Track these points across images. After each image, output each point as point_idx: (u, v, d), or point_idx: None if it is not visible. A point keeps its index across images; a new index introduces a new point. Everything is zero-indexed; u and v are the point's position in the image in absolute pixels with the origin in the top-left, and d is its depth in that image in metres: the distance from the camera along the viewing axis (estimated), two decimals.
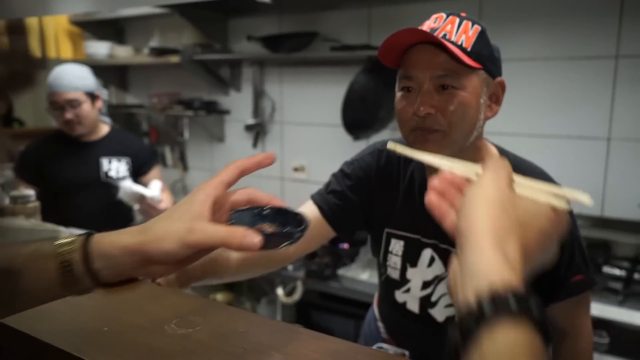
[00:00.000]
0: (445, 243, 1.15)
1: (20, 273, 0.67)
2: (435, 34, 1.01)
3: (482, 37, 1.04)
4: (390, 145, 0.83)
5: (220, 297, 3.10)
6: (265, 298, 2.98)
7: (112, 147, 2.48)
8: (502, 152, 1.17)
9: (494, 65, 1.06)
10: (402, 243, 1.22)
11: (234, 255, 1.09)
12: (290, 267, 2.66)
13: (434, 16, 1.08)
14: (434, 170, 1.15)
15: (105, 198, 2.36)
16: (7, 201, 1.49)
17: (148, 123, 3.86)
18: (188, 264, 0.69)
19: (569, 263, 1.08)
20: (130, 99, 3.98)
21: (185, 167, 3.72)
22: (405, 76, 1.04)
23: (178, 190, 3.66)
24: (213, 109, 3.39)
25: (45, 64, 3.72)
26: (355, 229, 1.30)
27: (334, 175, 1.29)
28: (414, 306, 1.22)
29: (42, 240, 0.71)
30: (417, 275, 1.20)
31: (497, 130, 2.54)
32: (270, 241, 0.61)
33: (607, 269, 2.19)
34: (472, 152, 1.05)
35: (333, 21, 2.95)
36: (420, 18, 2.73)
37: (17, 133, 3.79)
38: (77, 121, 2.29)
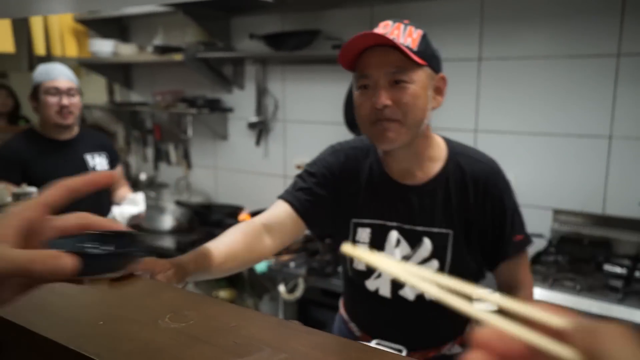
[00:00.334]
0: (408, 223, 1.27)
1: None
2: (386, 36, 1.14)
3: (424, 39, 1.19)
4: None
5: (223, 294, 3.12)
6: (268, 295, 3.00)
7: (90, 143, 2.53)
8: (449, 143, 1.32)
9: (436, 62, 1.22)
10: (368, 230, 1.31)
11: (218, 250, 1.14)
12: (292, 265, 2.68)
13: (381, 24, 1.20)
14: (391, 166, 1.30)
15: (96, 195, 2.39)
16: (9, 199, 1.51)
17: (152, 121, 3.89)
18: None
19: (511, 225, 1.26)
20: (135, 97, 4.00)
21: (189, 165, 3.74)
22: (362, 75, 1.18)
23: (182, 188, 3.68)
24: (216, 106, 3.41)
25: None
26: (325, 224, 1.37)
27: (299, 176, 1.37)
28: (385, 291, 1.31)
29: None
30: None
31: (499, 128, 2.55)
32: (93, 265, 0.51)
33: (607, 267, 2.19)
34: (421, 140, 1.23)
35: (335, 19, 2.96)
36: (422, 16, 2.74)
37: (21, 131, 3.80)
38: (71, 110, 2.36)
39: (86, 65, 3.82)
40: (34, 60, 4.98)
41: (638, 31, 2.21)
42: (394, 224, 1.28)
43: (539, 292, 1.95)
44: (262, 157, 3.38)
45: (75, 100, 2.40)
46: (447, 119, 2.69)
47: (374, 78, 1.16)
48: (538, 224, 2.44)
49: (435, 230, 1.26)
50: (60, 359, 0.69)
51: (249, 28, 3.17)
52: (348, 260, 1.35)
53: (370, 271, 1.31)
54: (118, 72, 3.94)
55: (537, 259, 2.27)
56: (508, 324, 0.32)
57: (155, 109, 3.58)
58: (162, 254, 3.20)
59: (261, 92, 3.30)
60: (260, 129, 3.33)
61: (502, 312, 0.35)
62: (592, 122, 2.35)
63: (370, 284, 1.33)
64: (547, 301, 1.86)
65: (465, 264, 1.27)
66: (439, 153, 1.29)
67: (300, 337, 0.70)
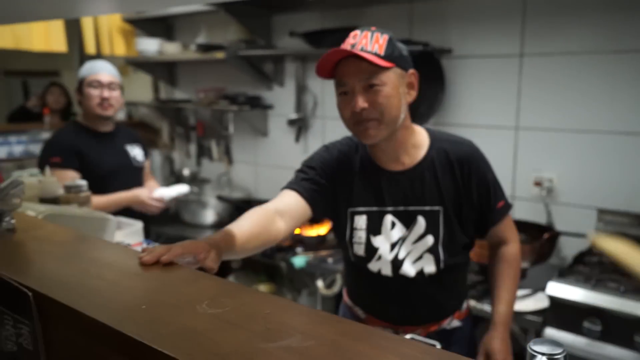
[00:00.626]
0: (401, 205, 1.42)
1: None
2: (354, 48, 1.29)
3: (390, 42, 1.32)
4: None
5: (262, 288, 3.18)
6: (306, 290, 3.04)
7: (127, 136, 2.67)
8: (429, 131, 1.46)
9: (404, 61, 1.35)
10: (364, 217, 1.44)
11: (241, 231, 1.24)
12: (330, 260, 2.70)
13: (351, 34, 1.33)
14: (380, 156, 1.42)
15: (138, 182, 2.62)
16: (61, 191, 1.59)
17: (195, 117, 3.99)
18: None
19: (494, 196, 1.44)
20: (179, 94, 4.12)
21: (230, 161, 3.81)
22: (340, 84, 1.33)
23: (223, 183, 3.76)
24: (257, 103, 3.47)
25: None
26: (327, 209, 1.47)
27: (299, 171, 1.48)
28: (387, 270, 1.45)
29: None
30: (383, 240, 1.44)
31: (541, 126, 2.50)
32: None
33: None
34: (402, 130, 1.38)
35: (375, 16, 2.96)
36: (461, 12, 2.72)
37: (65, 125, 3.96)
38: (112, 102, 2.49)
39: (133, 64, 3.95)
40: (85, 59, 5.19)
41: None
42: (389, 208, 1.43)
43: (581, 293, 1.91)
44: (301, 154, 3.41)
45: (116, 93, 2.52)
46: (487, 116, 2.66)
47: (350, 85, 1.31)
48: (581, 223, 2.39)
49: (427, 208, 1.41)
50: (103, 338, 0.74)
51: (290, 26, 3.21)
52: (349, 247, 1.47)
53: (370, 255, 1.45)
54: (163, 70, 4.06)
55: (580, 259, 2.23)
56: None
57: (198, 105, 3.67)
58: None
59: (301, 89, 3.34)
60: (300, 125, 3.37)
61: None
62: (638, 119, 2.28)
63: (373, 266, 1.46)
64: (586, 303, 1.84)
65: (457, 236, 1.43)
66: (422, 140, 1.43)
67: (330, 325, 0.73)
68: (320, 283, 2.70)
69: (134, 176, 2.62)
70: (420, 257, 1.43)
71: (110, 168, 2.50)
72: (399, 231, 1.43)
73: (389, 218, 1.43)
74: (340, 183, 1.46)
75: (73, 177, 2.31)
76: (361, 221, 1.44)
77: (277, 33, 3.39)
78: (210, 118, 3.86)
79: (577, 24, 2.36)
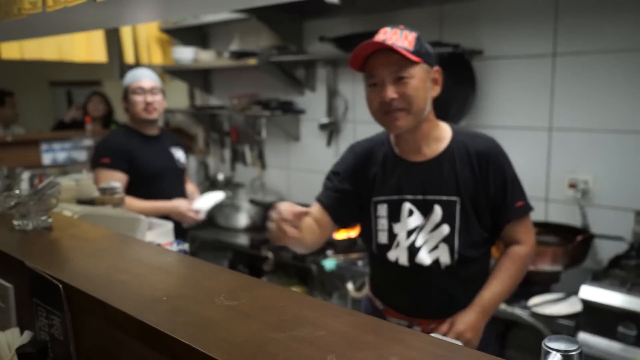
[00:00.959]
0: (420, 194, 1.47)
1: None
2: (386, 42, 1.36)
3: (419, 40, 1.41)
4: None
5: (294, 290, 3.21)
6: (337, 292, 3.05)
7: (170, 139, 2.82)
8: (452, 126, 1.53)
9: (430, 58, 1.44)
10: (385, 206, 1.52)
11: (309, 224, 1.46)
12: (359, 263, 2.71)
13: (381, 31, 1.41)
14: (403, 148, 1.49)
15: (181, 183, 2.79)
16: (96, 193, 1.66)
17: (229, 123, 4.07)
18: None
19: (512, 193, 1.47)
20: (214, 101, 4.21)
21: (263, 165, 3.87)
22: (371, 75, 1.41)
23: (256, 187, 3.82)
24: (289, 108, 3.51)
25: None
26: (349, 215, 1.58)
27: (327, 178, 1.62)
28: (404, 259, 1.50)
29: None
30: (402, 228, 1.50)
31: (575, 126, 2.45)
32: None
33: None
34: (426, 123, 1.46)
35: (405, 19, 2.97)
36: (492, 13, 2.70)
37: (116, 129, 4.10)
38: (155, 106, 2.62)
39: (169, 72, 4.07)
40: (125, 69, 5.37)
41: None
42: (407, 196, 1.49)
43: (616, 296, 1.86)
44: (332, 157, 3.43)
45: (158, 98, 2.65)
46: (520, 117, 2.62)
47: (380, 77, 1.39)
48: (618, 226, 2.32)
49: (444, 198, 1.46)
50: (126, 327, 0.78)
51: (321, 31, 3.24)
52: (374, 236, 1.54)
53: (391, 243, 1.52)
54: (198, 78, 4.16)
55: (616, 262, 2.17)
56: None
57: (231, 111, 3.74)
58: (238, 249, 3.35)
59: (332, 94, 3.37)
60: (331, 129, 3.40)
61: None
62: None
63: (392, 255, 1.52)
64: (621, 307, 1.78)
65: (474, 228, 1.46)
66: (444, 134, 1.50)
67: (341, 317, 0.75)
68: (350, 285, 2.71)
69: (177, 177, 2.78)
70: (436, 247, 1.47)
71: (158, 169, 2.64)
72: (416, 219, 1.49)
73: (407, 206, 1.49)
74: (363, 178, 1.55)
75: (120, 178, 2.46)
76: (383, 210, 1.52)
77: (308, 38, 3.43)
78: (243, 123, 3.93)
79: (612, 21, 2.31)
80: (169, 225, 1.68)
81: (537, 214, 2.56)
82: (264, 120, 3.70)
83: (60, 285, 0.86)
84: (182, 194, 2.80)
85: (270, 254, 3.06)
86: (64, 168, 3.75)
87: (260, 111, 3.48)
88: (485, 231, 1.49)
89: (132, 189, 2.55)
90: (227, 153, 4.14)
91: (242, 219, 3.50)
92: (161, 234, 1.60)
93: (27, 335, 0.99)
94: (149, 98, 2.61)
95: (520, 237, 1.53)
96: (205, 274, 0.94)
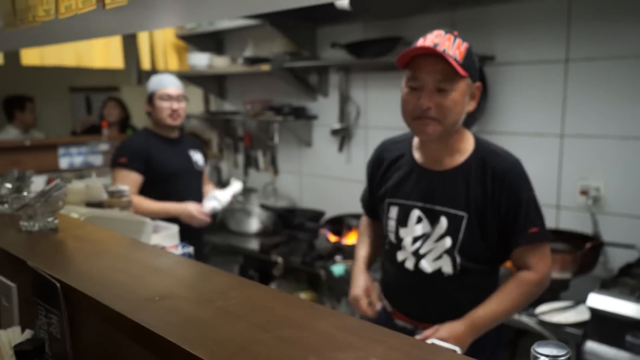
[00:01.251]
0: (429, 203, 1.47)
1: None
2: (437, 47, 1.33)
3: (469, 52, 1.38)
4: None
5: (303, 296, 3.22)
6: (345, 298, 3.05)
7: (189, 142, 2.90)
8: (477, 139, 1.50)
9: (475, 73, 1.40)
10: (396, 209, 1.54)
11: (373, 249, 1.73)
12: None
13: (435, 32, 1.37)
14: (423, 154, 1.50)
15: (198, 185, 2.86)
16: (104, 196, 1.70)
17: (243, 128, 4.10)
18: None
19: (525, 217, 1.41)
20: (228, 106, 4.25)
21: (275, 171, 3.90)
22: (413, 77, 1.38)
23: (269, 192, 3.84)
24: (301, 114, 3.53)
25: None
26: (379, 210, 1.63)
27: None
28: (410, 263, 1.51)
29: None
30: (408, 233, 1.51)
31: (587, 132, 2.42)
32: None
33: None
34: (454, 135, 1.44)
35: (417, 26, 2.97)
36: (505, 19, 2.69)
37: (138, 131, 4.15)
38: (180, 113, 2.72)
39: (185, 78, 4.11)
40: (142, 75, 5.46)
41: None
42: (418, 203, 1.49)
43: (624, 305, 1.84)
44: (344, 163, 3.45)
45: (183, 105, 2.76)
46: (532, 124, 2.60)
47: (422, 82, 1.37)
48: (630, 234, 2.29)
49: (452, 211, 1.44)
50: (120, 326, 0.79)
51: (334, 37, 3.26)
52: (386, 235, 1.58)
53: (398, 243, 1.54)
54: (213, 83, 4.21)
55: (627, 270, 2.13)
56: None
57: (245, 117, 3.78)
58: (248, 254, 3.37)
59: (344, 100, 3.38)
60: (343, 135, 3.41)
61: None
62: None
63: (400, 255, 1.54)
64: (629, 316, 1.76)
65: (477, 246, 1.43)
66: (467, 146, 1.47)
67: (328, 319, 0.75)
68: None
69: (195, 179, 2.84)
70: (439, 257, 1.46)
71: (174, 169, 2.71)
72: (424, 227, 1.48)
73: (415, 212, 1.49)
74: (383, 177, 1.60)
75: (135, 178, 2.55)
76: (393, 212, 1.54)
77: (321, 45, 3.45)
78: (256, 129, 3.96)
79: (625, 27, 2.29)
80: (174, 228, 1.70)
81: (548, 221, 2.50)
82: (277, 125, 3.72)
83: (58, 284, 0.89)
84: (198, 195, 2.85)
85: (280, 259, 3.07)
86: (80, 172, 3.81)
87: (273, 117, 3.51)
88: (489, 250, 1.46)
89: (149, 189, 2.63)
90: (241, 158, 4.17)
91: (254, 224, 3.53)
92: (166, 237, 1.62)
93: (27, 334, 1.01)
94: (175, 105, 2.70)
95: (530, 263, 1.45)
96: (201, 275, 0.96)
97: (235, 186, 2.90)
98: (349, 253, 2.87)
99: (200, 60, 3.87)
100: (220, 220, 3.60)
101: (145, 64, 4.12)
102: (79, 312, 0.90)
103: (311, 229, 3.25)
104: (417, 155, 1.53)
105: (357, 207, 1.93)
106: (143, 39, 4.06)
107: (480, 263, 1.46)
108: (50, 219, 1.24)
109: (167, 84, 2.73)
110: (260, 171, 4.02)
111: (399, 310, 1.59)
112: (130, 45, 4.32)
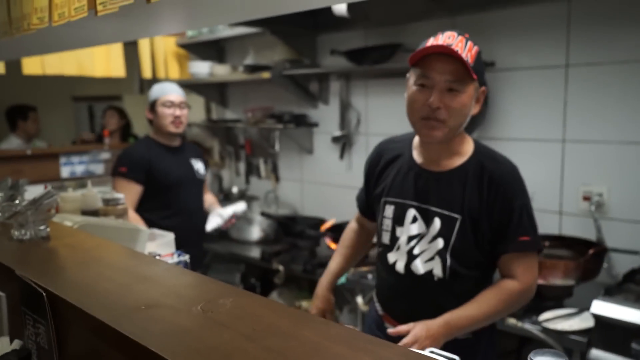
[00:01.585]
0: (425, 203, 1.46)
1: None
2: (452, 48, 1.32)
3: (479, 55, 1.39)
4: None
5: (305, 304, 3.19)
6: (347, 306, 3.02)
7: (191, 151, 2.89)
8: (477, 143, 1.50)
9: (482, 77, 1.41)
10: (392, 207, 1.53)
11: (346, 258, 1.77)
12: (369, 277, 2.68)
13: (447, 33, 1.37)
14: (423, 155, 1.50)
15: (199, 193, 2.85)
16: (100, 204, 1.68)
17: (244, 136, 4.09)
18: None
19: (517, 225, 1.40)
20: (229, 114, 4.24)
21: (277, 178, 3.88)
22: (424, 75, 1.36)
23: (270, 200, 3.83)
24: (302, 121, 3.52)
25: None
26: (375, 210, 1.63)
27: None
28: (401, 264, 1.50)
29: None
30: (404, 232, 1.50)
31: (588, 138, 2.40)
32: None
33: None
34: (457, 138, 1.45)
35: (417, 32, 2.96)
36: (505, 24, 2.67)
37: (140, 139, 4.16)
38: (182, 120, 2.72)
39: (186, 86, 4.11)
40: (144, 83, 5.47)
41: None
42: (413, 203, 1.49)
43: (629, 312, 1.80)
44: (345, 170, 3.43)
45: (185, 112, 2.75)
46: (533, 129, 2.58)
47: (433, 81, 1.35)
48: (633, 239, 2.26)
49: (446, 212, 1.43)
50: (105, 336, 0.77)
51: (334, 44, 3.25)
52: (380, 235, 1.58)
53: (393, 243, 1.53)
54: (214, 91, 4.21)
55: (631, 277, 2.10)
56: None
57: (246, 125, 3.77)
58: (250, 262, 3.35)
59: (345, 107, 3.37)
60: (344, 142, 3.39)
61: None
62: None
63: (391, 257, 1.53)
64: (635, 323, 1.72)
65: (468, 250, 1.42)
66: (467, 149, 1.47)
67: (316, 327, 0.73)
68: (359, 299, 2.68)
69: (196, 187, 2.83)
70: (432, 258, 1.45)
71: (175, 178, 2.70)
72: (419, 227, 1.48)
73: (411, 212, 1.49)
74: (378, 177, 1.60)
75: (134, 188, 2.54)
76: (389, 211, 1.53)
77: (322, 52, 3.44)
78: (258, 137, 3.95)
79: (625, 31, 2.27)
80: (170, 236, 1.69)
81: (551, 227, 2.51)
82: (278, 133, 3.71)
83: (44, 294, 0.87)
84: (199, 204, 2.84)
85: (281, 267, 3.05)
86: (82, 181, 3.81)
87: (274, 124, 3.50)
88: (481, 255, 1.44)
89: (150, 198, 2.61)
90: (242, 166, 4.16)
91: (255, 232, 3.51)
92: (162, 245, 1.61)
93: (16, 344, 0.99)
94: (178, 112, 2.70)
95: (515, 272, 1.43)
96: (189, 284, 0.94)
97: (239, 206, 2.94)
98: None
99: (201, 68, 3.87)
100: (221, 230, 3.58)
101: (147, 73, 4.12)
102: (66, 322, 0.89)
103: (312, 237, 3.23)
104: (416, 155, 1.52)
105: None
106: (144, 47, 4.06)
107: (471, 269, 1.45)
108: (41, 227, 1.23)
109: (170, 91, 2.73)
110: (261, 179, 4.00)
111: (389, 315, 1.57)
112: (131, 54, 4.33)
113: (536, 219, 1.48)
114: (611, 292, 1.93)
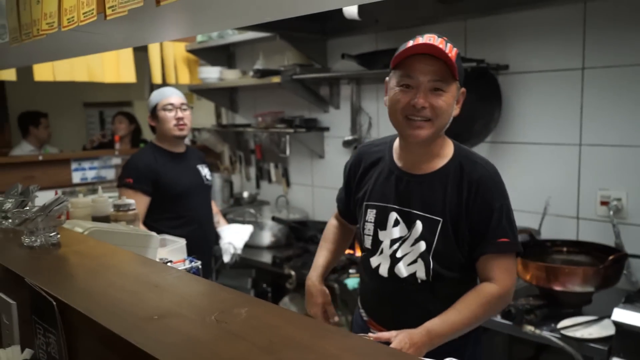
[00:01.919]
0: (406, 207, 1.46)
1: None
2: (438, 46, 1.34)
3: (459, 56, 1.40)
4: None
5: None
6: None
7: (196, 156, 2.84)
8: (456, 145, 1.50)
9: (462, 78, 1.42)
10: (374, 211, 1.52)
11: (335, 252, 1.74)
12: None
13: (427, 35, 1.38)
14: (403, 158, 1.48)
15: (207, 200, 2.81)
16: (111, 210, 1.67)
17: (254, 141, 4.08)
18: None
19: (496, 227, 1.40)
20: (239, 119, 4.23)
21: (288, 183, 3.86)
22: (408, 76, 1.37)
23: (281, 205, 3.80)
24: (312, 126, 3.50)
25: None
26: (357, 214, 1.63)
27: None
28: (384, 268, 1.49)
29: None
30: (387, 236, 1.50)
31: (606, 142, 2.36)
32: None
33: None
34: (439, 140, 1.45)
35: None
36: (519, 27, 2.63)
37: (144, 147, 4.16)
38: (185, 122, 2.65)
39: (196, 91, 4.12)
40: (154, 89, 5.48)
41: None
42: (395, 206, 1.48)
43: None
44: None
45: (187, 113, 2.68)
46: (548, 133, 2.54)
47: (418, 81, 1.35)
48: None
49: (428, 215, 1.43)
50: (115, 347, 0.75)
51: (345, 48, 3.22)
52: (362, 239, 1.57)
53: (375, 247, 1.52)
54: (224, 96, 4.19)
55: None
56: None
57: (256, 129, 3.75)
58: (261, 267, 3.33)
59: (356, 111, 3.34)
60: (355, 146, 3.36)
61: None
62: None
63: (374, 261, 1.52)
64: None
65: (450, 251, 1.43)
66: (447, 152, 1.48)
67: (335, 339, 0.70)
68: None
69: (204, 194, 2.78)
70: (415, 261, 1.45)
71: (185, 187, 2.64)
72: (401, 230, 1.48)
73: (393, 215, 1.49)
74: (360, 182, 1.59)
75: (141, 199, 2.45)
76: (371, 215, 1.53)
77: (332, 56, 3.42)
78: (268, 141, 3.94)
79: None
80: (181, 242, 1.66)
81: (568, 233, 2.46)
82: (288, 137, 3.69)
83: (55, 303, 0.85)
84: (208, 212, 2.80)
85: (292, 272, 3.02)
86: (93, 186, 3.81)
87: (284, 129, 3.48)
88: (464, 257, 1.44)
89: (159, 208, 2.56)
90: (252, 171, 4.15)
91: (266, 237, 3.48)
92: (174, 251, 1.58)
93: (27, 353, 0.97)
94: (180, 114, 2.63)
95: (494, 275, 1.42)
96: (203, 292, 0.91)
97: (247, 232, 2.98)
98: None
99: (211, 73, 3.86)
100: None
101: (157, 78, 4.13)
102: (76, 331, 0.86)
103: None
104: (396, 159, 1.52)
105: None
106: (154, 53, 4.07)
107: (454, 270, 1.45)
108: (52, 234, 1.21)
109: (169, 94, 2.68)
110: (272, 183, 3.98)
111: (374, 320, 1.56)
112: (142, 60, 4.34)
113: (550, 223, 1.46)
114: (632, 299, 1.88)
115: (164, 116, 2.62)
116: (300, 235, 3.34)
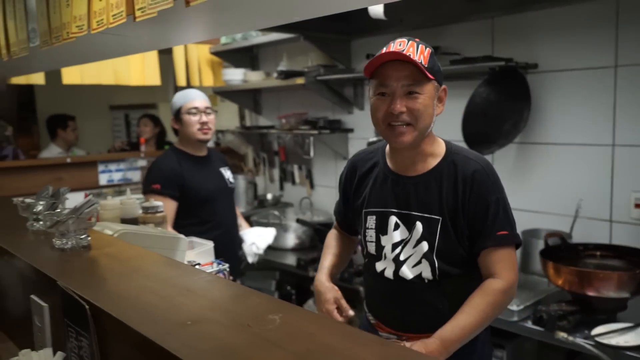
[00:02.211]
0: (405, 209, 1.48)
1: None
2: (404, 53, 1.36)
3: (432, 56, 1.40)
4: None
5: None
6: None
7: (218, 159, 2.82)
8: (448, 143, 1.52)
9: (440, 76, 1.44)
10: (374, 217, 1.53)
11: (341, 257, 1.72)
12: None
13: (397, 40, 1.40)
14: (396, 161, 1.49)
15: (232, 203, 2.80)
16: (140, 212, 1.67)
17: (278, 142, 4.07)
18: None
19: (494, 220, 1.41)
20: (263, 121, 4.24)
21: (311, 185, 3.84)
22: (382, 84, 1.39)
23: (305, 207, 3.79)
24: (336, 127, 3.48)
25: None
26: (355, 224, 1.64)
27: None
28: (389, 271, 1.50)
29: None
30: (388, 240, 1.50)
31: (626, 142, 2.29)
32: None
33: None
34: (425, 140, 1.45)
35: (455, 34, 2.89)
36: (547, 24, 2.58)
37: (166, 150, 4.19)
38: (210, 126, 2.62)
39: (220, 93, 4.13)
40: (178, 91, 5.52)
41: None
42: (394, 210, 1.50)
43: None
44: None
45: (212, 117, 2.65)
46: (580, 133, 2.47)
47: (392, 88, 1.38)
48: None
49: (427, 215, 1.45)
50: (149, 352, 0.74)
51: (369, 49, 3.20)
52: (364, 246, 1.57)
53: (379, 253, 1.52)
54: (248, 98, 4.20)
55: None
56: None
57: (280, 131, 3.75)
58: (285, 269, 3.32)
59: None
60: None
61: None
62: None
63: (379, 266, 1.53)
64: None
65: (453, 248, 1.44)
66: (439, 151, 1.49)
67: (373, 348, 0.68)
68: None
69: (229, 198, 2.77)
70: (419, 262, 1.46)
71: (210, 192, 2.62)
72: (402, 233, 1.49)
73: (393, 219, 1.50)
74: (356, 190, 1.60)
75: (169, 205, 2.41)
76: (371, 221, 1.54)
77: (356, 56, 3.40)
78: (292, 143, 3.93)
79: None
80: (209, 245, 1.66)
81: (601, 236, 2.39)
82: (312, 139, 3.68)
83: (87, 306, 0.84)
84: (234, 214, 2.80)
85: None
86: (119, 188, 3.85)
87: (308, 130, 3.47)
88: (466, 252, 1.45)
89: (186, 212, 2.54)
90: (276, 172, 4.14)
91: (290, 239, 3.47)
92: (201, 254, 1.58)
93: (59, 356, 0.97)
94: (204, 118, 2.60)
95: (496, 269, 1.43)
96: (236, 297, 0.90)
97: (270, 235, 2.93)
98: None
99: (235, 75, 3.87)
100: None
101: (181, 81, 4.15)
102: (109, 335, 0.86)
103: None
104: (390, 163, 1.54)
105: None
106: (179, 55, 4.10)
107: (459, 267, 1.45)
108: (83, 236, 1.22)
109: (193, 97, 2.64)
110: (296, 185, 3.97)
111: (381, 322, 1.56)
112: (166, 63, 4.37)
113: (582, 226, 1.41)
114: None
115: (188, 120, 2.59)
116: (324, 238, 3.31)
